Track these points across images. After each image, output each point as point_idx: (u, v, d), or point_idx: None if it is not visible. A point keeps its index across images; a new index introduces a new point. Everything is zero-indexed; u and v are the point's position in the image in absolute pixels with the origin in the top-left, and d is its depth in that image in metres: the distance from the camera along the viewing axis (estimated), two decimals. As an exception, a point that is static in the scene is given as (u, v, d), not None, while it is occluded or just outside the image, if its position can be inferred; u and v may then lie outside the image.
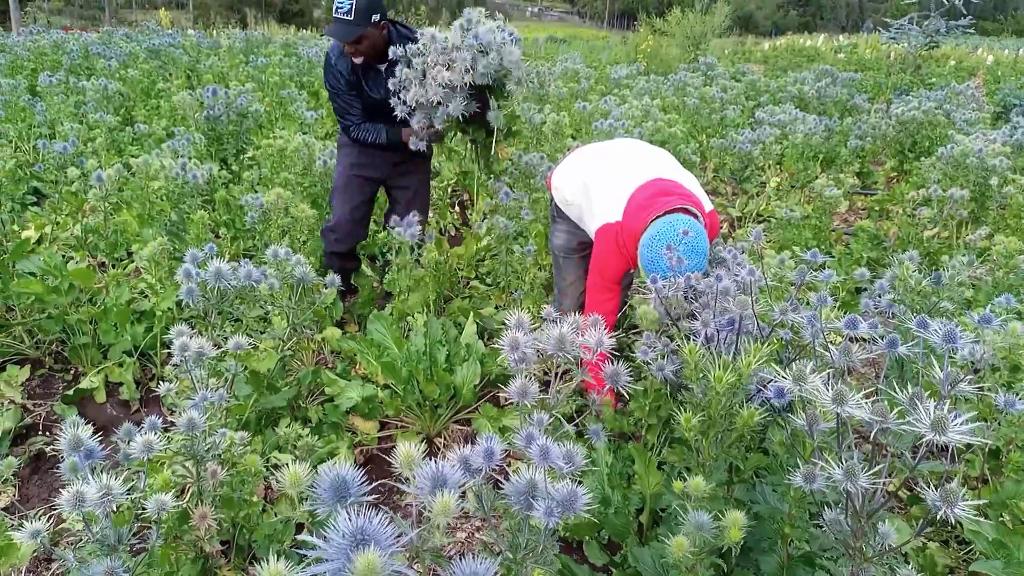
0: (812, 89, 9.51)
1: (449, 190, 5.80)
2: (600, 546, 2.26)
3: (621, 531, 2.01)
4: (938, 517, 1.14)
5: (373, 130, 3.62)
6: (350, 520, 0.80)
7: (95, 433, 1.57)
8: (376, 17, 3.36)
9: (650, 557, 1.82)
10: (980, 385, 1.36)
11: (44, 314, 3.42)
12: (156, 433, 1.53)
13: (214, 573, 1.98)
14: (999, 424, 2.41)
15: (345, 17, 3.32)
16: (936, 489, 1.17)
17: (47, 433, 3.04)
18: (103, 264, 4.12)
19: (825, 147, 7.05)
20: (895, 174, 7.45)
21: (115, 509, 1.41)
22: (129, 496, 1.44)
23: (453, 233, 5.44)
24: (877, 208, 5.94)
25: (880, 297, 2.35)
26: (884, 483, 1.26)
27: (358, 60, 3.44)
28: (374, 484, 0.88)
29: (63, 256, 3.75)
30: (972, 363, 1.49)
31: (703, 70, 10.50)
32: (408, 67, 3.37)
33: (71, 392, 3.15)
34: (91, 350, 3.40)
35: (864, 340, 1.59)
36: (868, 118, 7.94)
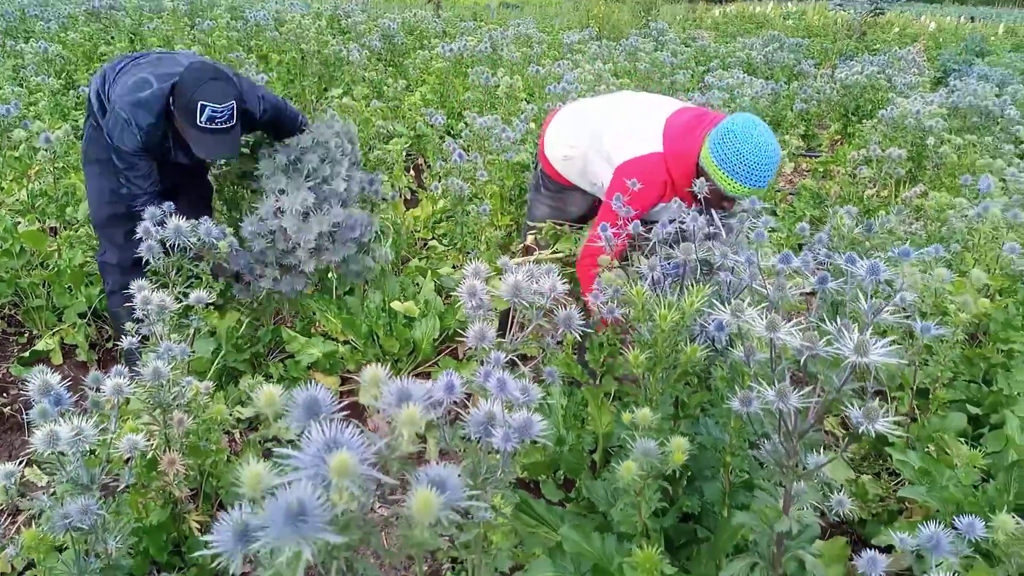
0: (760, 55, 9.67)
1: (404, 153, 5.81)
2: (556, 485, 2.37)
3: (575, 467, 2.12)
4: (860, 432, 1.26)
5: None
6: (323, 431, 0.87)
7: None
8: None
9: (602, 488, 1.93)
10: (904, 316, 1.48)
11: (-6, 278, 3.39)
12: (124, 378, 1.57)
13: (183, 518, 2.04)
14: (927, 363, 2.57)
15: (226, 125, 2.58)
16: (859, 408, 1.29)
17: (4, 395, 3.02)
18: (54, 229, 4.05)
19: (772, 111, 7.21)
20: (839, 137, 7.66)
21: (87, 450, 1.46)
22: (100, 438, 1.49)
23: (408, 197, 5.46)
24: (821, 169, 6.13)
25: (819, 247, 2.48)
26: (814, 404, 1.37)
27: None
28: (344, 403, 0.95)
29: (12, 220, 3.69)
30: (897, 302, 1.61)
31: (654, 35, 10.56)
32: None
33: (27, 354, 3.14)
34: (45, 313, 3.38)
35: (800, 279, 1.70)
36: (814, 83, 8.13)
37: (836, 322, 1.33)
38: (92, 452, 1.64)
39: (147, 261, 2.25)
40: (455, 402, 1.30)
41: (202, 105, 2.50)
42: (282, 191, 2.82)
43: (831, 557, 1.94)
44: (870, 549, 1.40)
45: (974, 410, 2.65)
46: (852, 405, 1.29)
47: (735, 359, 1.51)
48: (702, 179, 2.41)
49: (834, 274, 1.99)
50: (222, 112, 2.52)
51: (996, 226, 2.95)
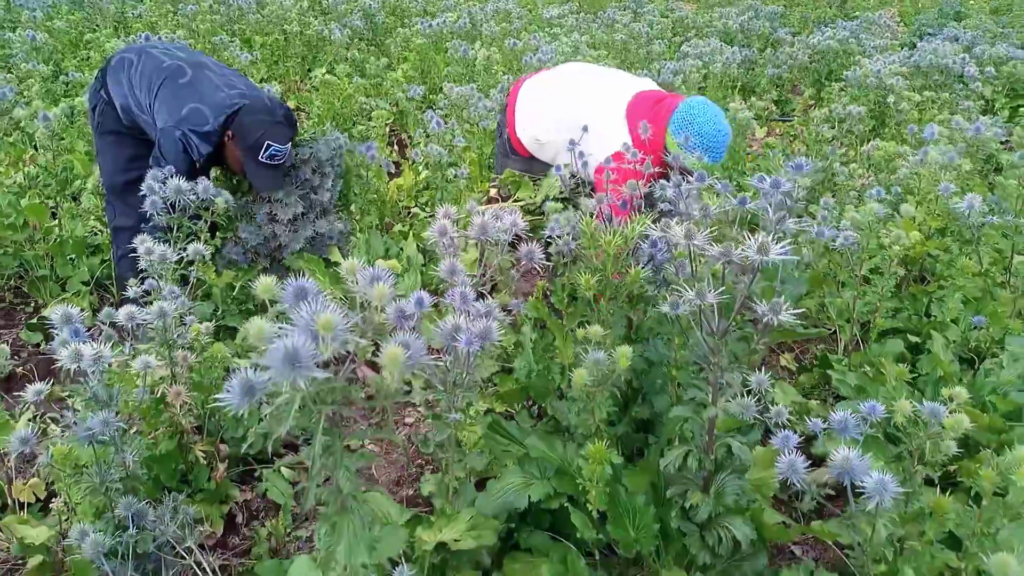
0: (736, 23, 9.83)
1: (387, 128, 5.99)
2: (529, 416, 2.60)
3: (543, 392, 2.34)
4: (764, 322, 1.48)
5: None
6: (310, 306, 1.09)
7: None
8: None
9: (565, 407, 2.16)
10: (801, 223, 1.70)
11: (0, 251, 3.59)
12: (136, 307, 1.79)
13: (189, 448, 2.26)
14: (865, 294, 2.81)
15: (282, 163, 2.98)
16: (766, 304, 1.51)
17: (16, 357, 3.23)
18: (55, 207, 4.25)
19: (746, 77, 7.40)
20: (813, 102, 7.86)
21: (105, 368, 1.68)
22: (115, 359, 1.71)
23: (392, 171, 5.65)
24: (792, 133, 6.34)
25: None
26: (739, 303, 1.59)
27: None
28: (327, 291, 1.16)
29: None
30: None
31: (632, 7, 10.71)
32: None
33: (35, 321, 3.35)
34: (49, 283, 3.57)
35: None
36: (788, 49, 8.32)
37: (750, 234, 1.54)
38: (110, 370, 1.85)
39: (151, 216, 2.45)
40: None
41: (268, 144, 2.87)
42: (277, 200, 3.20)
43: (763, 463, 2.15)
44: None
45: (914, 339, 2.89)
46: (760, 302, 1.51)
47: (668, 275, 1.73)
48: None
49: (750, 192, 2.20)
50: (282, 152, 2.92)
51: (936, 170, 3.17)
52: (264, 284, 1.13)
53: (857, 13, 14.42)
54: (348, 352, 1.09)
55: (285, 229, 3.22)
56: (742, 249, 1.46)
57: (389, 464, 2.66)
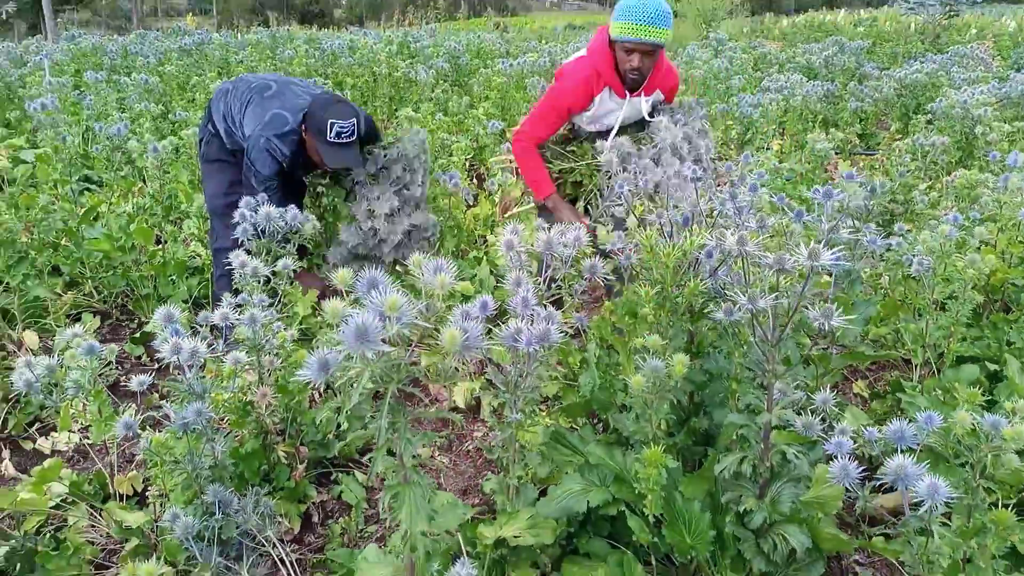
0: (819, 58, 9.75)
1: (467, 163, 6.21)
2: (593, 430, 2.66)
3: (605, 404, 2.40)
4: (816, 326, 1.52)
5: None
6: (380, 293, 1.21)
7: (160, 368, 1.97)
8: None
9: (625, 417, 2.21)
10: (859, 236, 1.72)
11: (110, 272, 3.91)
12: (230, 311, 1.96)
13: (273, 448, 2.42)
14: (940, 319, 2.76)
15: (351, 139, 3.08)
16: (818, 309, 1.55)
17: (120, 367, 3.50)
18: (159, 232, 4.59)
19: (827, 111, 7.33)
20: (900, 136, 7.71)
21: (201, 363, 1.84)
22: (210, 355, 1.87)
23: (471, 202, 5.85)
24: (874, 166, 6.23)
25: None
26: (793, 309, 1.63)
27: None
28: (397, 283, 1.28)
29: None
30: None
31: (713, 45, 10.77)
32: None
33: (138, 335, 3.62)
34: (152, 301, 3.87)
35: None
36: (873, 83, 8.20)
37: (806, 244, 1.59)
38: (203, 367, 2.02)
39: (242, 242, 2.65)
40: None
41: (331, 123, 3.00)
42: (377, 197, 3.37)
43: (826, 481, 2.13)
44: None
45: (993, 367, 2.81)
46: (813, 308, 1.55)
47: (721, 280, 1.79)
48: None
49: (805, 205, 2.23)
50: (347, 127, 3.02)
51: (1019, 197, 3.10)
52: (341, 276, 1.26)
53: (951, 48, 14.07)
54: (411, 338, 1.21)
55: (383, 224, 3.35)
56: (794, 256, 1.51)
57: (457, 475, 2.75)
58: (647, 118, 3.39)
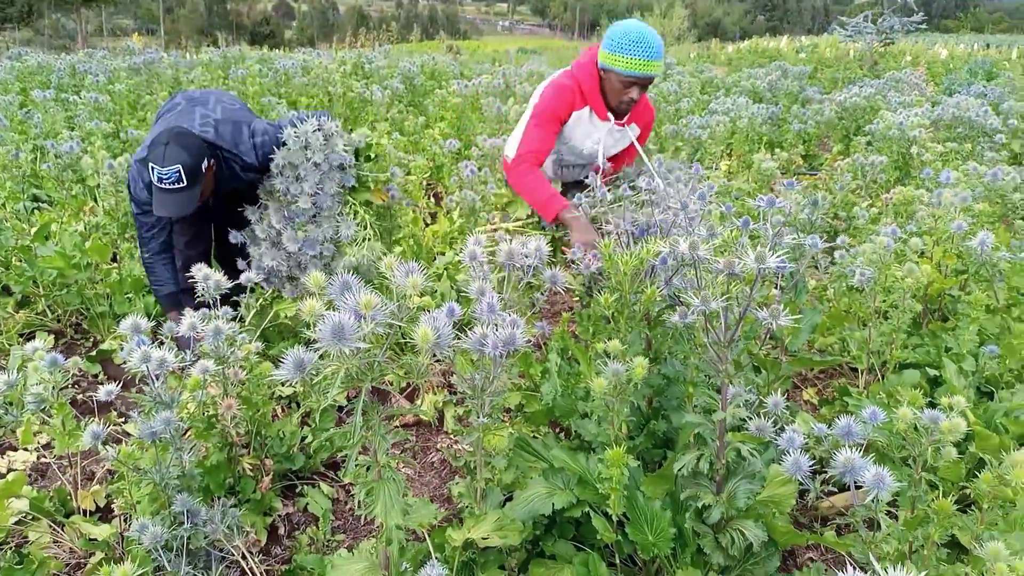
0: (764, 83, 10.09)
1: (424, 182, 6.28)
2: (555, 438, 2.72)
3: (568, 411, 2.47)
4: (764, 326, 1.61)
5: (164, 276, 3.13)
6: (354, 294, 1.26)
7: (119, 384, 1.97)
8: (205, 164, 2.76)
9: (587, 423, 2.28)
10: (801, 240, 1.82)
11: (64, 290, 3.85)
12: (197, 319, 1.98)
13: (238, 460, 2.42)
14: (881, 326, 2.90)
15: (175, 187, 2.66)
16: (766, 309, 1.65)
17: (76, 386, 3.45)
18: (115, 249, 4.53)
19: (773, 133, 7.60)
20: (841, 156, 8.02)
21: (168, 373, 1.86)
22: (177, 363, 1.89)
23: (429, 221, 5.91)
24: (816, 184, 6.48)
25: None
26: (744, 309, 1.72)
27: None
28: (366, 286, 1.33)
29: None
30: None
31: (663, 69, 11.09)
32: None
33: (94, 353, 3.58)
34: (107, 320, 3.82)
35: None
36: (815, 106, 8.52)
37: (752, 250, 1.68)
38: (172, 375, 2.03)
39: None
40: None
41: (151, 167, 2.66)
42: (260, 220, 3.10)
43: (780, 481, 2.23)
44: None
45: (932, 372, 2.96)
46: (761, 310, 1.65)
47: (676, 287, 1.88)
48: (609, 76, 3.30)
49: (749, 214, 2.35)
50: (168, 175, 2.63)
51: (952, 211, 3.28)
52: (315, 278, 1.31)
53: (887, 74, 14.68)
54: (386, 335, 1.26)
55: (271, 253, 3.04)
56: (744, 260, 1.60)
57: (422, 485, 2.79)
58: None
